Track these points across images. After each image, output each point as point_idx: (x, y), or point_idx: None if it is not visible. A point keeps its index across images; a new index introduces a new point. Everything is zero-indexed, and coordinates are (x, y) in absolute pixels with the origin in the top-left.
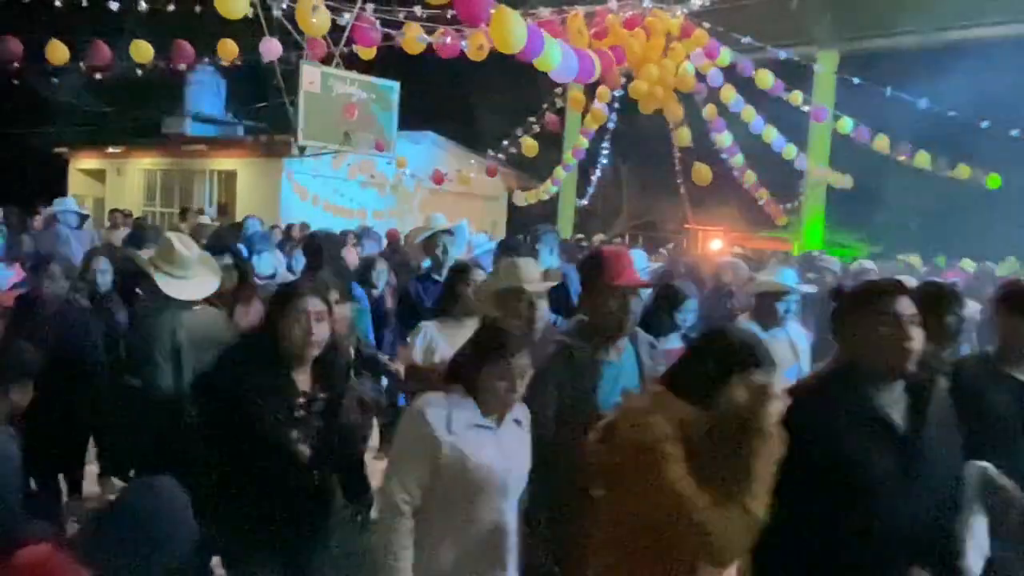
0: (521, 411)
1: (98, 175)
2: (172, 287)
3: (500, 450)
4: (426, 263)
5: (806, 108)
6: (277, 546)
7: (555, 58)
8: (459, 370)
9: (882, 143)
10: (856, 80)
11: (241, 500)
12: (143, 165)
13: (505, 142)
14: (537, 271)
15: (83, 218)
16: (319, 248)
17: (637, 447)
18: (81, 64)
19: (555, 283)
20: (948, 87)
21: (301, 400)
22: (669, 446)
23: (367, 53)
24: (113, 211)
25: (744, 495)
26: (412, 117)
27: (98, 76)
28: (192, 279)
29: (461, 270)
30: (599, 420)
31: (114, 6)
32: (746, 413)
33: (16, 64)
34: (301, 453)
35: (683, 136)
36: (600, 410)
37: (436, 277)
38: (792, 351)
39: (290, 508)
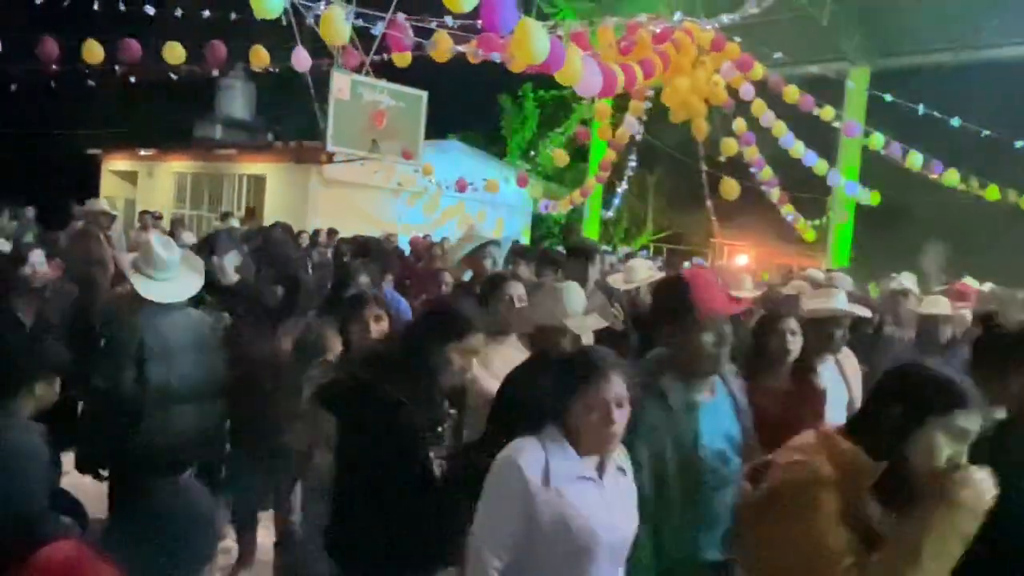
0: (624, 458)
1: (130, 177)
2: (149, 289)
3: (606, 506)
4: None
5: (837, 124)
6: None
7: (577, 72)
8: (546, 407)
9: (913, 160)
10: (888, 97)
11: (368, 520)
12: (174, 168)
13: (532, 152)
14: (582, 302)
15: (112, 219)
16: (367, 252)
17: (790, 487)
18: (116, 67)
19: (605, 324)
20: (981, 106)
21: (440, 418)
22: (825, 492)
23: (402, 60)
24: (143, 212)
25: (905, 568)
26: (439, 126)
27: (132, 79)
28: (171, 281)
29: (496, 282)
30: (704, 472)
31: (149, 10)
32: (938, 470)
33: (53, 65)
34: (435, 473)
35: (730, 146)
36: (707, 461)
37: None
38: (844, 382)
39: (419, 533)
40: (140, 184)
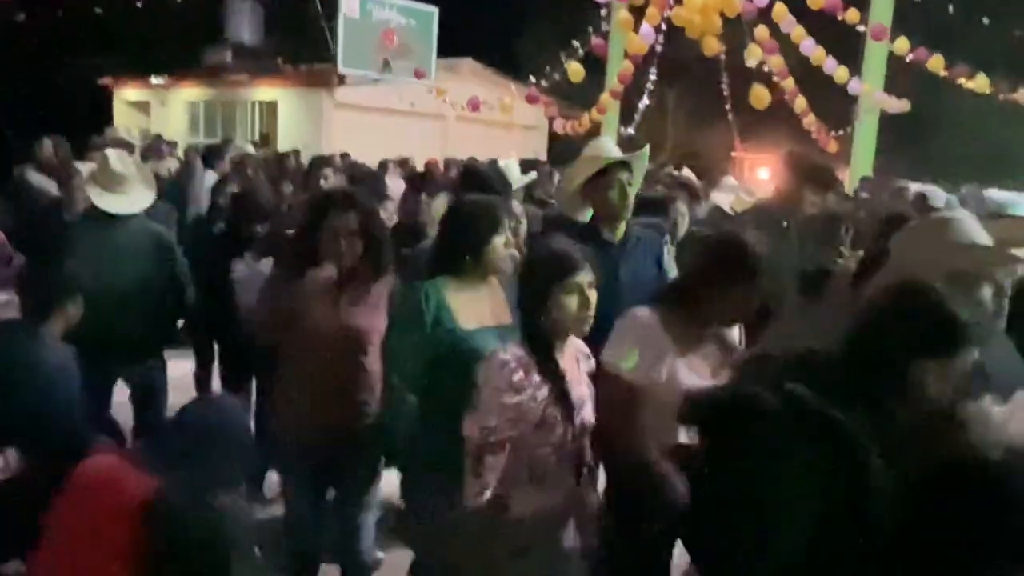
0: None
1: (142, 107)
2: (105, 201)
3: None
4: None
5: (862, 28)
6: None
7: None
8: None
9: (936, 63)
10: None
11: None
12: (186, 96)
13: (548, 68)
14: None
15: (132, 149)
16: (483, 181)
17: None
18: None
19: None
20: (1014, 5)
21: None
22: None
23: None
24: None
25: None
26: (451, 44)
27: (139, 3)
28: (127, 195)
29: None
30: None
31: None
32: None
33: None
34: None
35: (755, 52)
36: None
37: (607, 236)
38: None
39: None
40: (153, 114)
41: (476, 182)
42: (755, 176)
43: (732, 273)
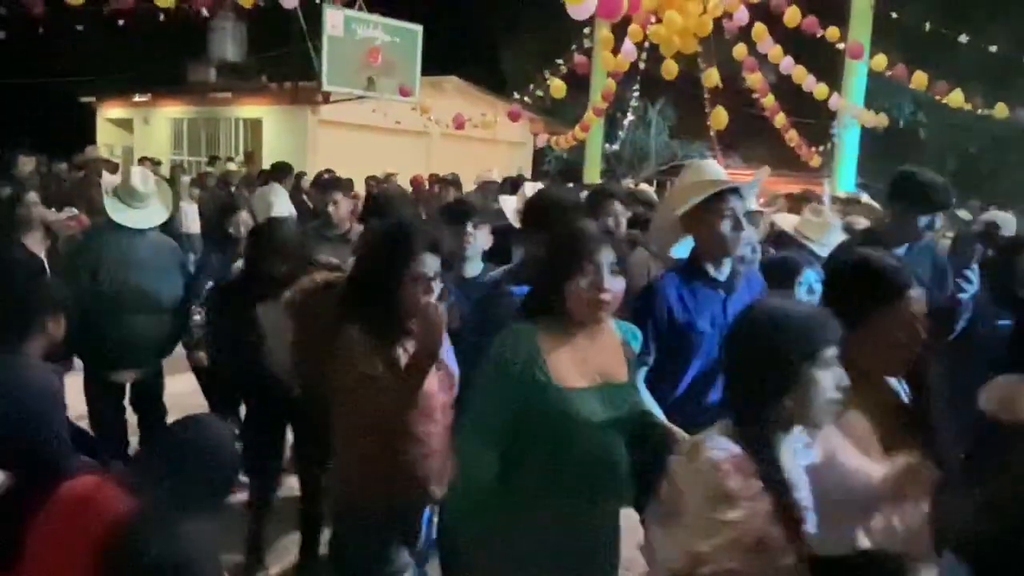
0: None
1: (126, 124)
2: (122, 215)
3: None
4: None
5: (841, 45)
6: None
7: None
8: None
9: (920, 80)
10: (894, 15)
11: None
12: (169, 114)
13: (531, 85)
14: None
15: (115, 167)
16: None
17: None
18: (103, 9)
19: None
20: (990, 22)
21: None
22: None
23: None
24: (142, 159)
25: None
26: (435, 62)
27: (120, 23)
28: (144, 210)
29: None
30: None
31: None
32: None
33: (38, 11)
34: None
35: (711, 77)
36: None
37: (713, 274)
38: None
39: None
40: (136, 131)
41: (545, 210)
42: None
43: (883, 307)
